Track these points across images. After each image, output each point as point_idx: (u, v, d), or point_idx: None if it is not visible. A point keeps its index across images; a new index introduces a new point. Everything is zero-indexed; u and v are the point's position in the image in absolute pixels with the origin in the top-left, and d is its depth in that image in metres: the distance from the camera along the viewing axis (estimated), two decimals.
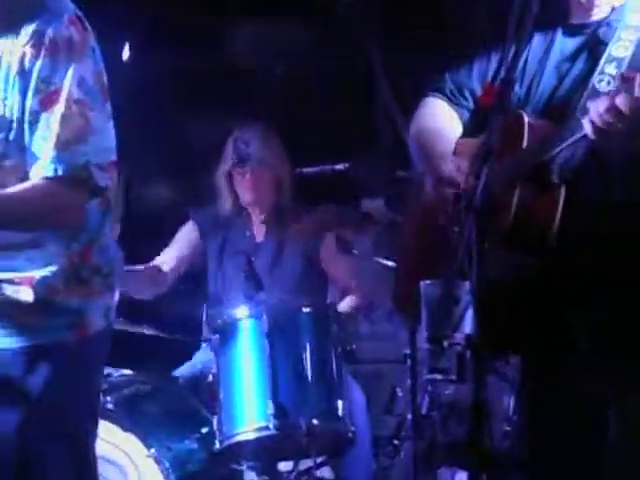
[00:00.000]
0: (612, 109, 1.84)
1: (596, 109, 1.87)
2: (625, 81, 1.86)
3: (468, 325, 1.58)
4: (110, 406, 2.99)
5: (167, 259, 3.59)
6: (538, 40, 2.25)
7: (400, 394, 3.82)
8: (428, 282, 1.66)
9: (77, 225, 2.02)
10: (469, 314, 1.59)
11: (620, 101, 1.83)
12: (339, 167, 3.77)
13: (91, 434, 2.09)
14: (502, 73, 1.94)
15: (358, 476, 3.37)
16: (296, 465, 3.10)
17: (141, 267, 3.46)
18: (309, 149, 4.01)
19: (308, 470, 3.13)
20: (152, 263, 3.55)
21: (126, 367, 3.39)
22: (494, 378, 2.62)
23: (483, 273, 1.59)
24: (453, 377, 1.57)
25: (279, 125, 3.80)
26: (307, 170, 3.78)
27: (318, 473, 3.48)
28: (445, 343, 1.56)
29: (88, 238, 2.04)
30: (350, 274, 3.54)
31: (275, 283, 3.45)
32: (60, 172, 1.94)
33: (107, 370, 3.21)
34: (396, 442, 3.56)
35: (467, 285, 1.58)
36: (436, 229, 2.08)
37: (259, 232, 3.61)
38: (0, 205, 1.95)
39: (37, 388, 1.97)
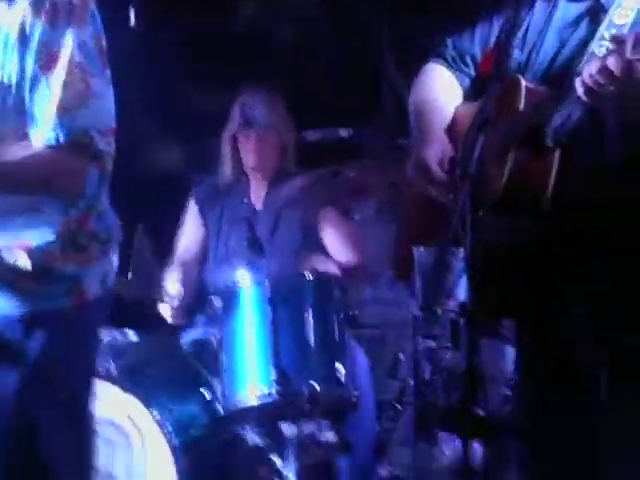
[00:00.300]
0: (603, 70, 1.84)
1: (588, 70, 1.87)
2: (617, 42, 1.86)
3: (462, 292, 1.59)
4: (114, 371, 3.02)
5: (187, 252, 3.61)
6: (540, 6, 2.24)
7: (403, 359, 3.85)
8: (421, 249, 1.66)
9: (78, 191, 2.02)
10: (463, 281, 1.59)
11: (611, 62, 1.83)
12: (343, 133, 3.76)
13: (88, 398, 2.11)
14: (501, 39, 1.94)
15: (361, 439, 3.39)
16: (299, 429, 3.12)
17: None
18: (314, 114, 4.01)
19: (312, 434, 3.15)
20: (177, 263, 3.56)
21: (133, 329, 3.42)
22: (495, 341, 2.62)
23: (477, 240, 1.59)
24: (447, 344, 1.57)
25: (284, 90, 3.79)
26: (311, 135, 3.78)
27: (322, 436, 3.53)
28: (439, 310, 1.57)
29: (86, 204, 2.05)
30: (348, 241, 3.54)
31: (275, 250, 3.46)
32: (62, 138, 1.94)
33: (113, 334, 3.24)
34: (398, 406, 3.58)
35: (461, 252, 1.59)
36: (430, 198, 2.08)
37: (257, 199, 3.61)
38: (5, 172, 1.96)
39: (34, 353, 1.99)
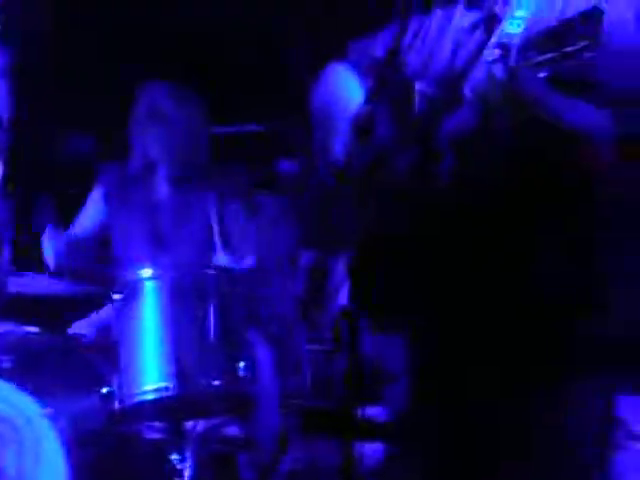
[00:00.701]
0: (489, 76, 1.87)
1: (476, 76, 1.90)
2: (503, 50, 1.90)
3: (344, 297, 1.60)
4: (7, 364, 2.96)
5: (81, 230, 3.56)
6: (439, 12, 2.26)
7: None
8: (306, 253, 1.66)
9: None
10: (345, 286, 1.60)
11: (496, 69, 1.86)
12: (252, 127, 3.76)
13: None
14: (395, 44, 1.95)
15: (264, 434, 3.40)
16: (197, 424, 3.11)
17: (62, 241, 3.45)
18: (227, 109, 3.99)
19: (210, 429, 3.15)
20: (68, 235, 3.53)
21: (30, 324, 3.37)
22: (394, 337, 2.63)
23: (358, 246, 1.60)
24: (328, 347, 1.58)
25: (198, 83, 3.77)
26: (222, 130, 3.77)
27: (225, 431, 3.53)
28: (320, 314, 1.57)
29: None
30: (249, 236, 3.54)
31: (178, 244, 3.44)
32: None
33: (8, 327, 3.18)
34: (300, 402, 3.60)
35: (343, 257, 1.59)
36: (320, 201, 2.09)
37: (164, 190, 3.58)
38: None
39: None
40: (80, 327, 3.42)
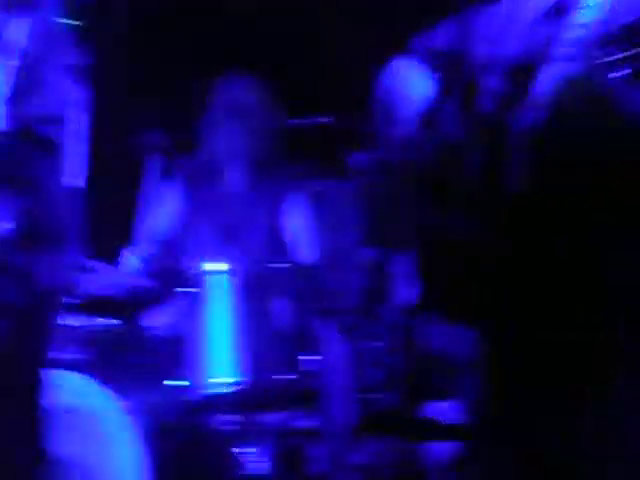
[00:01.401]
0: (563, 73, 1.83)
1: (548, 72, 1.86)
2: (578, 46, 1.85)
3: (406, 294, 1.59)
4: (84, 357, 3.03)
5: (162, 230, 3.62)
6: (508, 1, 2.23)
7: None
8: (368, 250, 1.66)
9: (28, 180, 2.02)
10: (408, 283, 1.60)
11: (570, 65, 1.82)
12: (324, 120, 3.76)
13: (37, 387, 2.10)
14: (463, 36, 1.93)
15: (334, 427, 3.42)
16: (269, 418, 3.14)
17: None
18: (299, 103, 4.00)
19: (281, 422, 3.17)
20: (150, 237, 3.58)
21: (106, 317, 3.44)
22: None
23: (424, 244, 1.59)
24: (389, 345, 1.58)
25: (270, 77, 3.79)
26: (292, 122, 3.78)
27: (296, 423, 3.55)
28: (379, 311, 1.57)
29: (36, 193, 2.04)
30: (309, 232, 3.54)
31: (249, 238, 3.47)
32: (9, 127, 1.93)
33: (84, 320, 3.24)
34: (370, 396, 3.59)
35: (406, 255, 1.59)
36: (388, 196, 2.08)
37: (235, 182, 3.61)
38: None
39: None
40: (155, 320, 3.47)
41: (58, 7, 2.04)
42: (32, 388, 2.10)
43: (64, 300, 2.19)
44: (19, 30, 1.96)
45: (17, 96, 1.95)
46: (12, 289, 2.04)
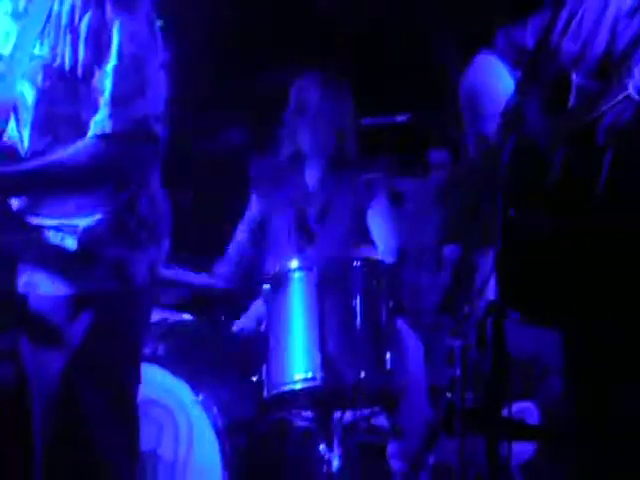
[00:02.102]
0: None
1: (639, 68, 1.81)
2: None
3: (491, 292, 1.57)
4: (161, 352, 3.07)
5: (243, 248, 3.63)
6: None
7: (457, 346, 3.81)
8: (452, 247, 1.64)
9: (139, 177, 2.05)
10: (492, 281, 1.57)
11: None
12: (401, 118, 3.74)
13: (133, 381, 2.14)
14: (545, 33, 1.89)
15: (412, 425, 3.39)
16: (343, 415, 3.13)
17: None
18: (376, 100, 3.99)
19: (358, 419, 3.16)
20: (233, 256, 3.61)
21: (185, 312, 3.48)
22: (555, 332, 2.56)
23: (509, 240, 1.56)
24: (473, 342, 1.56)
25: (347, 75, 3.79)
26: (368, 120, 3.76)
27: (374, 421, 3.53)
28: (466, 309, 1.55)
29: (136, 188, 2.07)
30: (392, 228, 3.51)
31: (325, 234, 3.46)
32: (119, 128, 1.96)
33: (163, 314, 3.29)
34: (450, 395, 3.55)
35: (490, 252, 1.56)
36: (469, 193, 2.06)
37: (314, 179, 3.62)
38: (55, 171, 1.98)
39: (78, 335, 2.02)
40: (241, 321, 3.50)
41: (153, 7, 2.06)
42: (128, 381, 2.12)
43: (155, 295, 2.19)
44: (122, 31, 1.97)
45: (126, 96, 1.96)
46: (110, 279, 2.06)
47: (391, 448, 3.41)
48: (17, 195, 2.02)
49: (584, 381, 2.09)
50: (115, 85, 1.96)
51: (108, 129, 1.96)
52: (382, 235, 3.50)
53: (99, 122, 1.97)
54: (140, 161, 2.03)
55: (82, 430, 2.03)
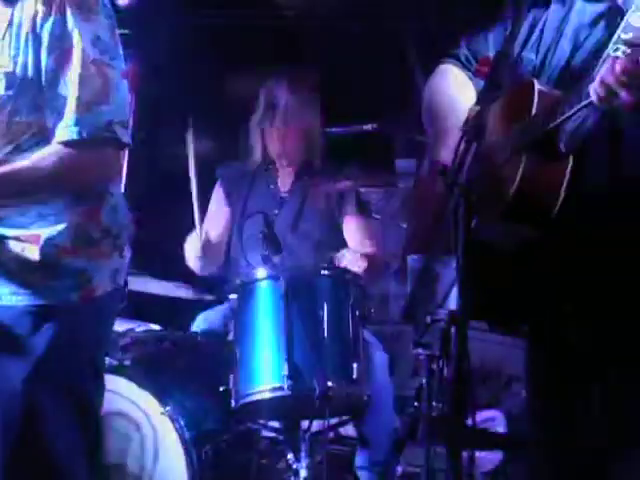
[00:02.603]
0: (616, 75, 1.79)
1: (601, 75, 1.82)
2: (631, 46, 1.81)
3: (452, 301, 1.58)
4: (127, 362, 3.05)
5: (212, 234, 3.62)
6: (556, 7, 2.19)
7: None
8: (414, 257, 1.65)
9: (105, 184, 2.04)
10: (454, 290, 1.58)
11: (624, 66, 1.77)
12: (367, 127, 3.75)
13: (95, 391, 2.13)
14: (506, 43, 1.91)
15: (379, 435, 3.39)
16: (310, 425, 3.13)
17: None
18: (339, 110, 4.00)
19: (324, 430, 3.15)
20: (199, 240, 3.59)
21: (149, 322, 3.46)
22: (516, 339, 2.59)
23: (471, 248, 1.57)
24: (436, 352, 1.56)
25: (313, 84, 3.80)
26: (335, 130, 3.77)
27: (342, 431, 3.53)
28: (428, 319, 1.56)
29: (97, 196, 2.06)
30: (366, 238, 3.54)
31: (296, 238, 3.47)
32: (84, 135, 1.95)
33: (129, 325, 3.27)
34: (416, 404, 3.56)
35: (452, 261, 1.57)
36: (430, 204, 2.07)
37: (284, 186, 3.62)
38: (22, 179, 1.97)
39: (41, 346, 2.02)
40: (203, 320, 3.48)
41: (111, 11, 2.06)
42: (90, 391, 2.11)
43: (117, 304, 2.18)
44: (84, 36, 1.96)
45: (90, 102, 1.96)
46: (73, 290, 2.05)
47: (359, 458, 3.41)
48: None
49: (546, 390, 2.11)
50: (79, 91, 1.95)
51: (74, 135, 1.95)
52: (351, 242, 3.52)
53: (64, 128, 1.96)
54: (105, 167, 2.02)
55: (42, 438, 2.02)
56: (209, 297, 3.56)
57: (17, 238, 2.02)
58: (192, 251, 3.50)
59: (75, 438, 2.06)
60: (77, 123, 1.95)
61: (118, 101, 1.99)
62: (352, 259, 3.41)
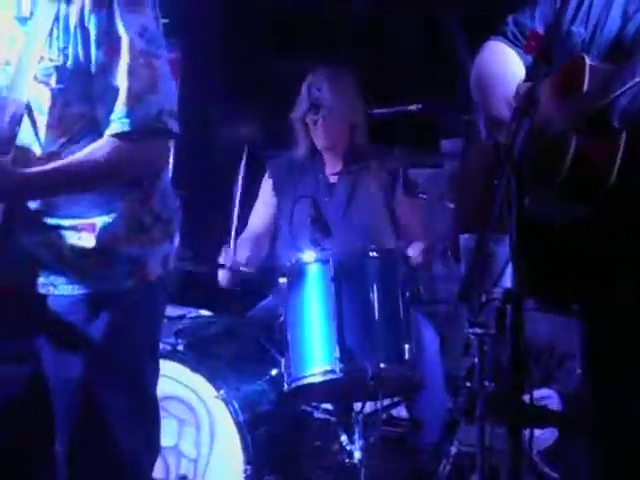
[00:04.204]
0: None
1: None
2: None
3: (507, 279, 1.57)
4: (181, 347, 3.08)
5: (258, 224, 3.65)
6: None
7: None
8: (466, 236, 1.64)
9: (157, 174, 2.06)
10: (508, 268, 1.57)
11: None
12: (412, 107, 3.72)
13: (152, 377, 2.15)
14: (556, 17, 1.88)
15: (431, 415, 3.39)
16: (364, 406, 3.14)
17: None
18: (384, 91, 3.99)
19: (378, 411, 3.16)
20: (248, 234, 3.61)
21: (202, 307, 3.49)
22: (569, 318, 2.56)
23: (524, 226, 1.56)
24: (492, 331, 1.55)
25: (355, 66, 3.79)
26: (380, 111, 3.76)
27: (394, 412, 3.53)
28: (483, 297, 1.55)
29: (149, 184, 2.08)
30: (416, 218, 3.54)
31: (348, 223, 3.47)
32: (136, 126, 1.97)
33: (182, 311, 3.30)
34: (468, 384, 3.55)
35: (506, 239, 1.56)
36: (483, 180, 2.05)
37: (332, 172, 3.63)
38: (77, 172, 1.98)
39: (98, 334, 2.04)
40: (254, 310, 3.51)
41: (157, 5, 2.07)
42: (148, 376, 2.14)
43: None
44: (132, 28, 1.98)
45: (140, 93, 1.97)
46: (127, 277, 2.07)
47: (412, 439, 3.41)
48: (39, 197, 2.03)
49: (602, 369, 2.09)
50: (128, 82, 1.96)
51: (126, 127, 1.97)
52: (400, 224, 3.52)
53: (116, 121, 1.98)
54: (156, 157, 2.04)
55: (104, 426, 2.05)
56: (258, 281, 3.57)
57: (73, 227, 2.04)
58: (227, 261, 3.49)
59: (135, 423, 2.08)
60: (128, 115, 1.96)
61: (166, 90, 2.01)
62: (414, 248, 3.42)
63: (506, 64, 2.31)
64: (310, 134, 3.61)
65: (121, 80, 1.97)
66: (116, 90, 1.97)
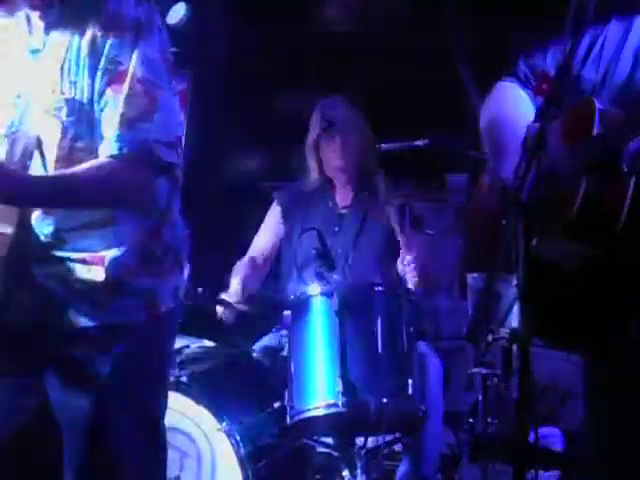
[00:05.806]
0: None
1: None
2: None
3: (514, 319, 1.57)
4: (184, 379, 3.07)
5: (260, 249, 3.65)
6: (615, 24, 2.16)
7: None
8: (475, 275, 1.64)
9: (146, 203, 2.04)
10: (515, 308, 1.57)
11: None
12: (419, 143, 3.74)
13: (162, 407, 2.14)
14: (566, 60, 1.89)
15: (429, 450, 3.37)
16: (366, 441, 3.12)
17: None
18: (391, 126, 4.01)
19: (380, 445, 3.14)
20: (247, 257, 3.61)
21: (205, 338, 3.48)
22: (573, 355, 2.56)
23: (532, 267, 1.56)
24: (498, 371, 1.55)
25: (363, 101, 3.82)
26: (387, 146, 3.78)
27: (396, 447, 3.51)
28: (489, 337, 1.55)
29: (159, 215, 2.07)
30: (419, 251, 3.53)
31: (358, 254, 3.47)
32: (125, 150, 1.96)
33: (185, 341, 3.29)
34: (471, 420, 3.54)
35: (513, 279, 1.56)
36: (490, 221, 2.06)
37: (343, 202, 3.63)
38: (64, 184, 1.98)
39: (108, 368, 2.03)
40: (258, 343, 3.50)
41: (165, 34, 2.08)
42: (157, 408, 2.13)
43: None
44: (138, 57, 1.99)
45: (133, 119, 1.98)
46: (139, 309, 2.07)
47: (407, 475, 3.38)
48: (28, 202, 2.00)
49: (604, 409, 2.08)
50: (124, 109, 1.97)
51: (114, 151, 1.97)
52: (405, 259, 3.51)
53: (107, 143, 1.98)
54: (144, 183, 2.01)
55: (113, 456, 2.04)
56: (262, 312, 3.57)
57: (82, 260, 2.04)
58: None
59: (144, 455, 2.07)
60: (118, 139, 1.97)
61: (164, 121, 2.00)
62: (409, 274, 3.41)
63: (516, 105, 2.31)
64: (322, 161, 3.61)
65: (118, 106, 1.97)
66: (112, 118, 1.97)
